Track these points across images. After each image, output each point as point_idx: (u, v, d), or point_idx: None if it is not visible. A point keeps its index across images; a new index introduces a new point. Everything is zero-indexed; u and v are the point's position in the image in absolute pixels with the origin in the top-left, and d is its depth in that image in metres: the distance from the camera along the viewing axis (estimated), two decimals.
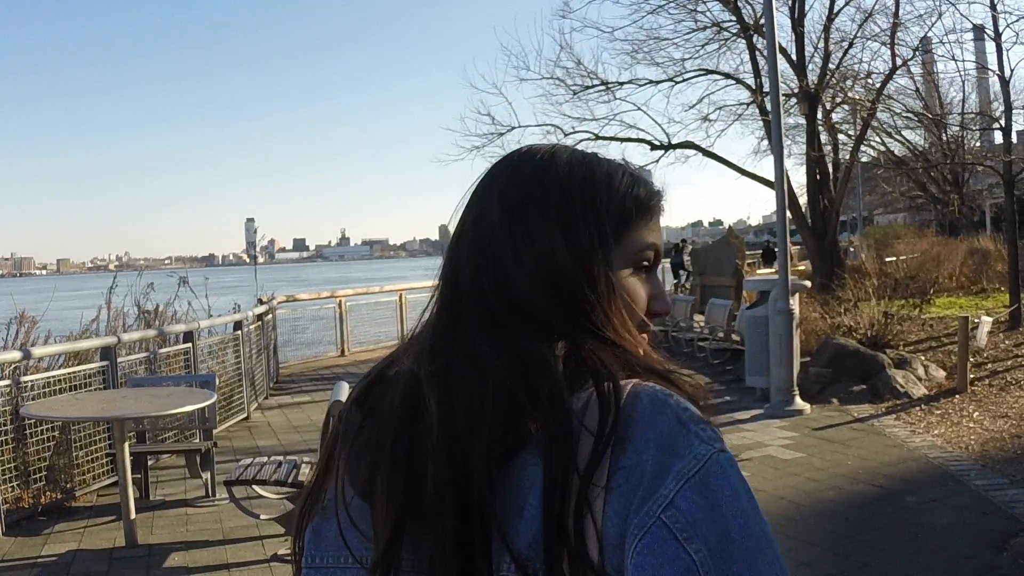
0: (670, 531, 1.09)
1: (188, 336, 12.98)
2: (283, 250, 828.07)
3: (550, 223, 1.32)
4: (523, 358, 1.24)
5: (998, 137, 43.51)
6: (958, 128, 41.25)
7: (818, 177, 26.06)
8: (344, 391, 7.82)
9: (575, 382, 1.23)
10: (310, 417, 14.47)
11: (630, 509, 1.12)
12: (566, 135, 24.95)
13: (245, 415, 14.25)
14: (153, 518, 9.10)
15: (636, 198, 1.39)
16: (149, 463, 10.22)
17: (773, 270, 38.82)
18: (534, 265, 1.30)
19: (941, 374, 14.57)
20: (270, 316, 18.53)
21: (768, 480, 9.34)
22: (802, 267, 29.54)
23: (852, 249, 37.37)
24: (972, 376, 13.88)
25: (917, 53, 24.88)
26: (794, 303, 13.18)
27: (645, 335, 1.40)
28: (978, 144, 40.99)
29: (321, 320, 23.24)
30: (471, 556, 1.17)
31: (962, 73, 30.16)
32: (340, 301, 23.05)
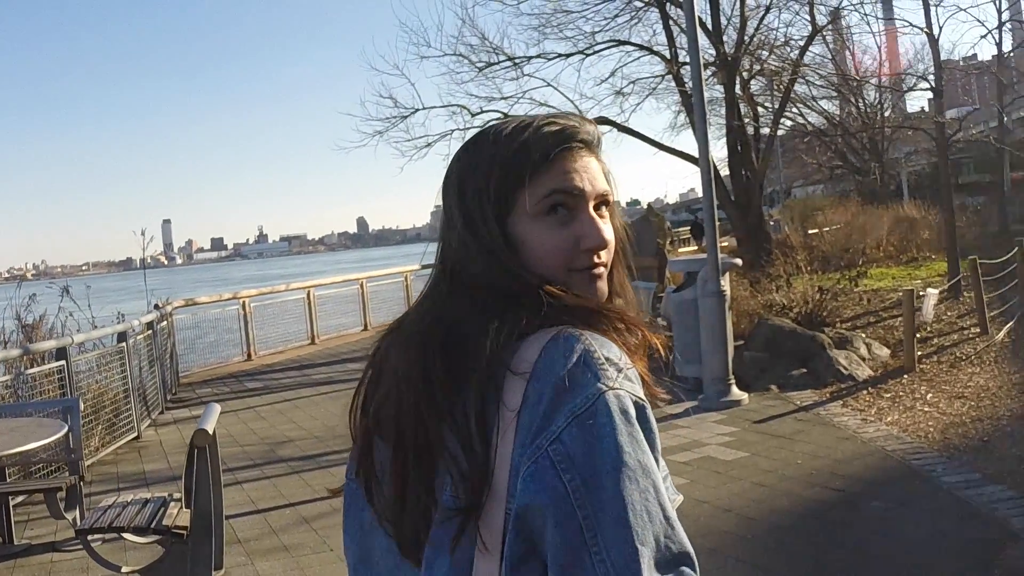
0: (552, 462, 1.29)
1: (61, 353, 11.59)
2: (201, 250, 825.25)
3: (450, 194, 1.61)
4: (460, 312, 1.49)
5: (911, 105, 43.62)
6: (876, 94, 41.18)
7: (739, 149, 25.08)
8: (214, 414, 7.13)
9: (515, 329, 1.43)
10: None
11: (526, 441, 1.32)
12: (473, 115, 23.75)
13: (135, 434, 12.99)
14: (14, 567, 7.91)
15: (528, 152, 1.54)
16: (12, 501, 8.85)
17: (695, 248, 38.21)
18: (453, 233, 1.57)
19: (885, 352, 13.55)
20: (164, 323, 17.37)
21: (710, 488, 8.16)
22: (725, 243, 28.63)
23: (773, 223, 36.56)
24: (919, 353, 12.86)
25: (841, 13, 23.98)
26: (725, 284, 12.04)
27: (599, 269, 1.58)
28: (888, 113, 40.67)
29: (225, 323, 22.01)
30: (416, 472, 1.44)
31: (878, 34, 29.54)
32: (244, 302, 21.82)
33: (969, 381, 11.72)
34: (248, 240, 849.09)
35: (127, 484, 10.32)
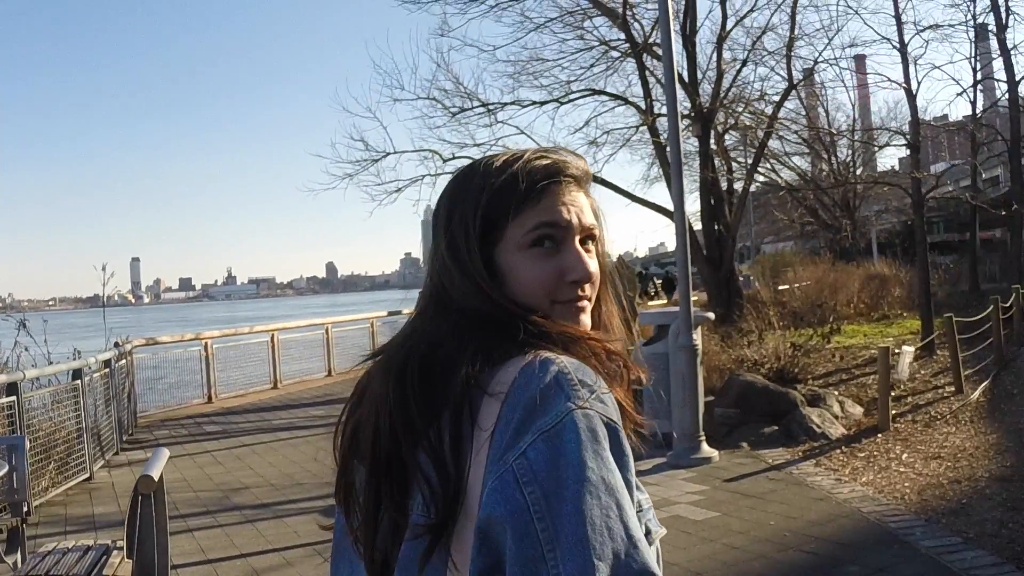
0: (515, 476, 1.30)
1: (12, 388, 11.22)
2: (169, 290, 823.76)
3: (439, 230, 1.64)
4: (439, 340, 1.52)
5: (882, 163, 43.75)
6: (848, 151, 41.34)
7: (712, 203, 24.94)
8: (162, 459, 6.83)
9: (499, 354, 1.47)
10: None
11: (495, 458, 1.34)
12: (445, 161, 23.54)
13: (87, 475, 12.61)
14: None
15: (516, 184, 1.59)
16: None
17: (665, 302, 38.06)
18: (438, 258, 1.62)
19: (859, 410, 13.29)
20: (123, 362, 17.00)
21: (680, 549, 7.80)
22: (695, 297, 28.48)
23: (743, 278, 36.47)
24: (894, 412, 12.59)
25: (816, 68, 23.93)
26: (697, 337, 11.75)
27: (584, 302, 1.65)
28: (860, 171, 40.86)
29: (186, 364, 21.46)
30: (388, 492, 1.48)
31: (852, 89, 29.55)
32: (206, 343, 21.45)
33: (945, 441, 11.45)
34: (217, 281, 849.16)
35: (75, 527, 9.99)
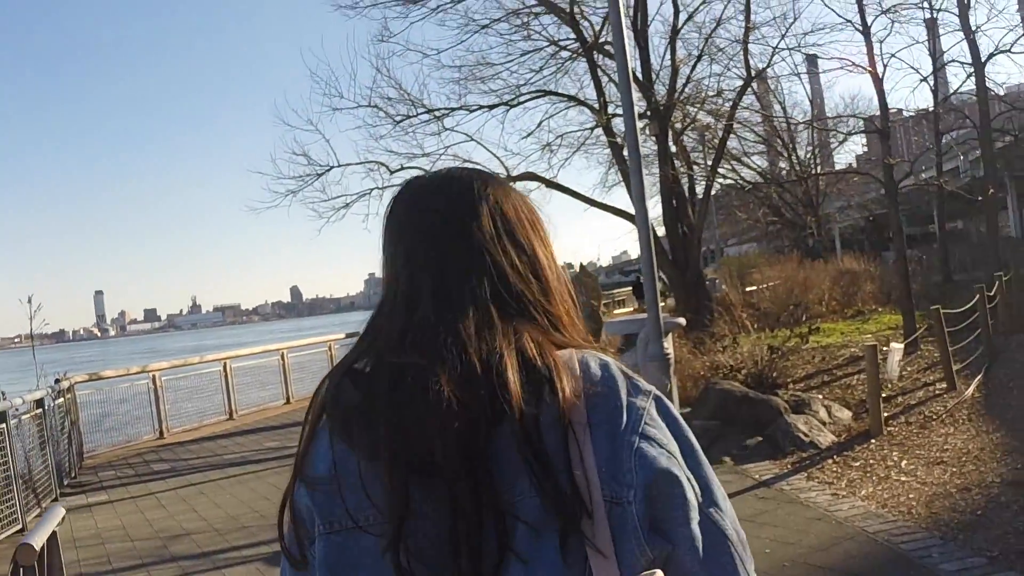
0: (653, 439, 1.49)
1: None
2: (135, 321, 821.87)
3: (532, 234, 1.75)
4: (509, 343, 1.56)
5: (839, 160, 43.17)
6: (809, 147, 40.74)
7: (675, 204, 24.03)
8: (52, 521, 6.12)
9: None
10: (98, 524, 11.89)
11: (616, 434, 1.48)
12: (392, 172, 22.50)
13: (19, 527, 11.69)
14: None
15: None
16: None
17: (632, 309, 37.18)
18: (525, 267, 1.70)
19: (847, 414, 12.34)
20: (61, 400, 16.18)
21: None
22: (662, 303, 27.66)
23: (709, 281, 35.69)
24: (885, 414, 11.63)
25: (774, 59, 23.06)
26: (668, 345, 10.76)
27: None
28: (819, 168, 40.34)
29: (135, 399, 20.50)
30: (480, 504, 1.45)
31: (806, 85, 28.86)
32: (154, 376, 20.50)
33: (945, 444, 10.51)
34: (182, 311, 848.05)
35: None
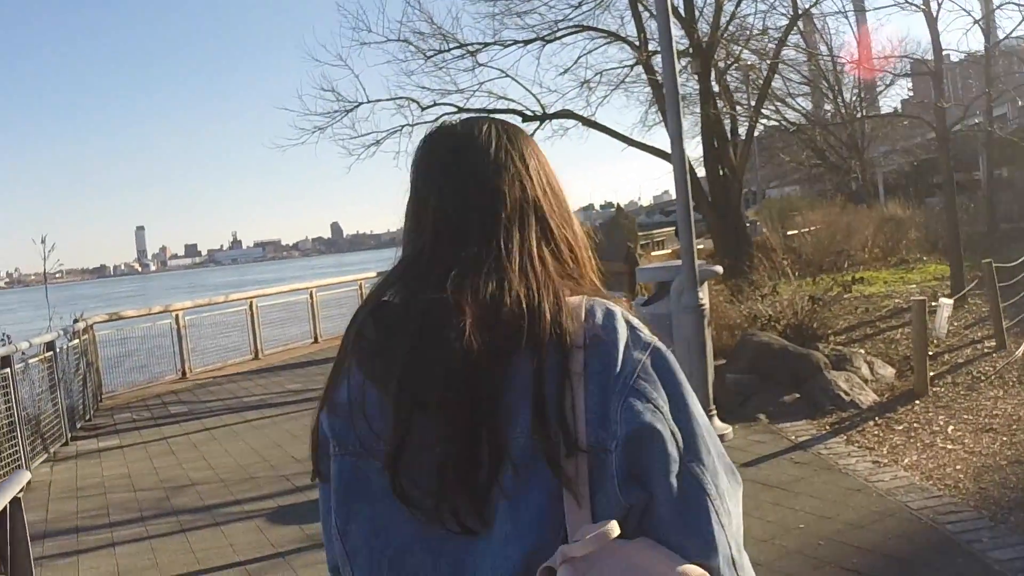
0: (642, 396, 1.53)
1: None
2: (175, 256, 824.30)
3: (559, 184, 1.83)
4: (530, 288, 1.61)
5: (885, 105, 42.02)
6: (856, 89, 39.71)
7: (715, 145, 23.25)
8: (13, 487, 5.56)
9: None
10: (104, 471, 11.54)
11: (608, 385, 1.53)
12: (424, 109, 21.78)
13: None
14: None
15: None
16: None
17: (671, 251, 36.42)
18: (557, 212, 1.77)
19: (890, 372, 11.72)
20: (77, 341, 15.95)
21: None
22: (701, 246, 26.95)
23: (750, 224, 34.92)
24: (931, 373, 10.99)
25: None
26: (704, 295, 10.17)
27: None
28: (864, 111, 39.30)
29: (156, 339, 20.26)
30: (478, 440, 1.52)
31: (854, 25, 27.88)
32: (177, 315, 20.23)
33: (994, 408, 9.87)
34: (222, 246, 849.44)
35: None
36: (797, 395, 10.79)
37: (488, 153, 1.73)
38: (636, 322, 1.62)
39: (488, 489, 1.52)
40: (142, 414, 15.69)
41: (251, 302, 22.22)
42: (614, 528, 1.45)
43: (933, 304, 12.27)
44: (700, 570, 1.48)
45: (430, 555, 1.59)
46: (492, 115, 1.99)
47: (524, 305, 1.57)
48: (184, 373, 19.81)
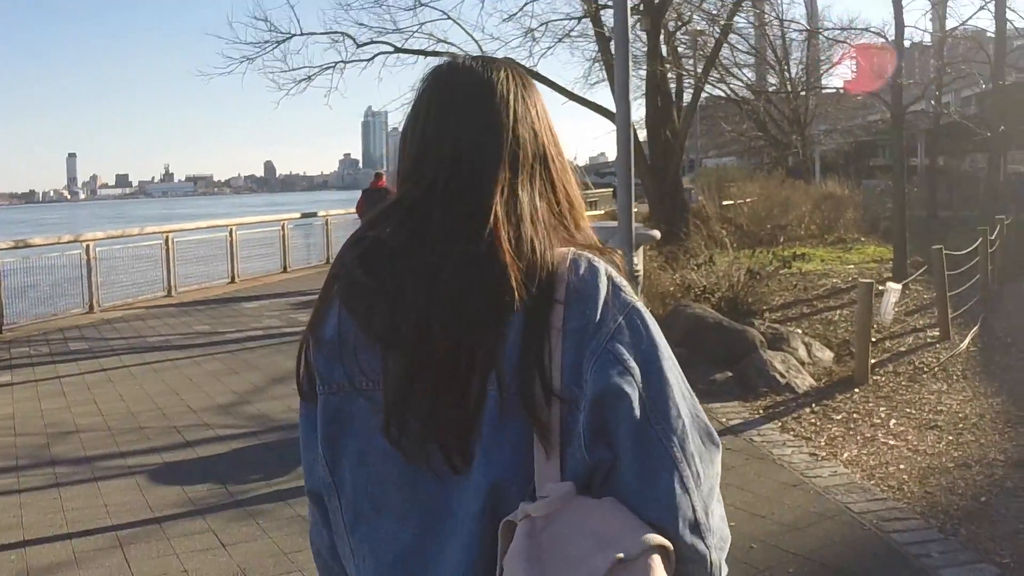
0: (614, 356, 1.51)
1: None
2: (106, 186, 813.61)
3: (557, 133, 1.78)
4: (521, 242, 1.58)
5: (829, 85, 41.71)
6: (802, 63, 39.42)
7: (659, 105, 22.58)
8: None
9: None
10: None
11: (583, 343, 1.51)
12: (359, 46, 20.89)
13: None
14: None
15: None
16: None
17: (603, 212, 35.79)
18: (557, 160, 1.73)
19: (828, 355, 11.13)
20: None
21: None
22: (635, 209, 26.32)
23: (686, 191, 34.50)
24: (871, 360, 10.38)
25: None
26: (638, 261, 9.50)
27: None
28: (803, 92, 39.16)
29: (63, 270, 19.28)
30: (466, 386, 1.54)
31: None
32: (88, 246, 19.14)
33: (938, 403, 9.28)
34: (154, 178, 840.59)
35: None
36: (729, 373, 10.16)
37: (509, 100, 1.68)
38: (619, 280, 1.61)
39: (470, 431, 1.54)
40: (40, 349, 14.78)
41: (167, 236, 21.24)
42: (571, 493, 1.48)
43: (881, 288, 11.65)
44: (657, 537, 1.47)
45: (410, 490, 1.61)
46: (485, 56, 1.84)
47: (522, 256, 1.56)
48: (91, 307, 18.85)
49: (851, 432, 8.44)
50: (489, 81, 1.68)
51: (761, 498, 6.72)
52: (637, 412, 1.49)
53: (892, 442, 8.11)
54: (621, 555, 1.42)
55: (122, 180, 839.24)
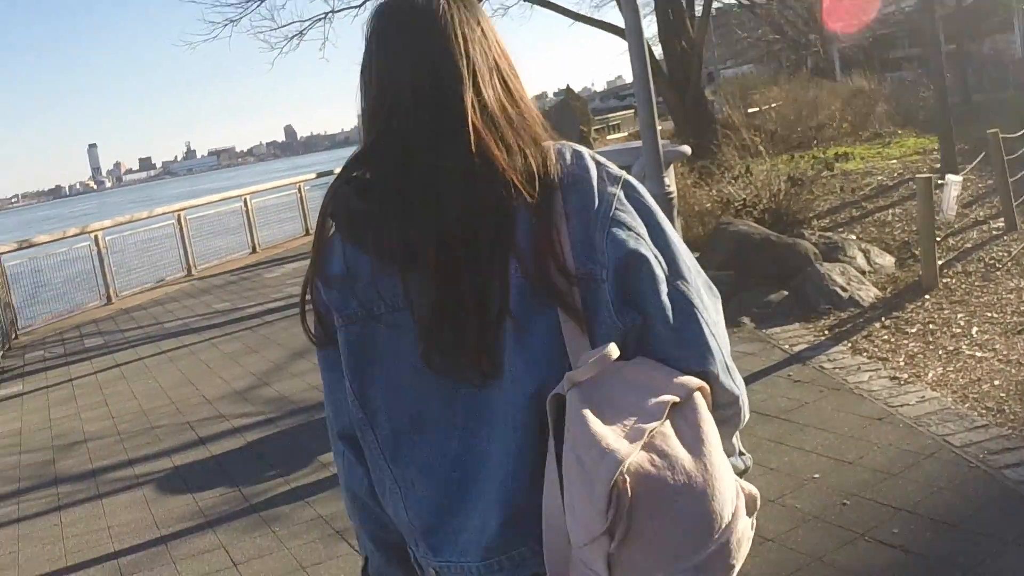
0: (622, 225, 1.62)
1: None
2: (130, 171, 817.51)
3: (489, 37, 1.78)
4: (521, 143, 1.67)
5: None
6: None
7: (671, 18, 21.48)
8: None
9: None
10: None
11: (589, 220, 1.61)
12: None
13: None
14: None
15: None
16: None
17: (628, 134, 34.77)
18: (514, 78, 1.77)
19: (888, 260, 10.15)
20: None
21: None
22: (660, 127, 25.31)
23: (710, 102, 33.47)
24: (939, 262, 9.39)
25: None
26: (670, 180, 8.57)
27: None
28: None
29: (75, 264, 18.72)
30: (486, 290, 1.60)
31: None
32: (96, 236, 18.52)
33: (1020, 302, 8.27)
34: (176, 157, 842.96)
35: None
36: (785, 293, 9.21)
37: (454, 23, 1.71)
38: (602, 159, 1.71)
39: (497, 336, 1.60)
40: (54, 351, 14.14)
41: (178, 215, 20.64)
42: (614, 350, 1.56)
43: (941, 181, 10.65)
44: (696, 379, 1.56)
45: (447, 405, 1.67)
46: None
47: (513, 159, 1.62)
48: (109, 298, 18.23)
49: (931, 347, 7.49)
50: (430, 9, 1.72)
51: (845, 439, 5.81)
52: (658, 271, 1.61)
53: (979, 353, 7.16)
54: (676, 398, 1.51)
55: (145, 163, 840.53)
